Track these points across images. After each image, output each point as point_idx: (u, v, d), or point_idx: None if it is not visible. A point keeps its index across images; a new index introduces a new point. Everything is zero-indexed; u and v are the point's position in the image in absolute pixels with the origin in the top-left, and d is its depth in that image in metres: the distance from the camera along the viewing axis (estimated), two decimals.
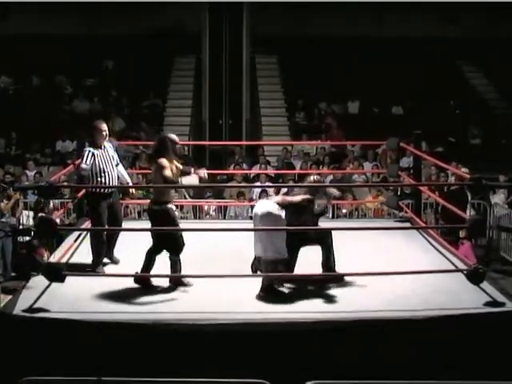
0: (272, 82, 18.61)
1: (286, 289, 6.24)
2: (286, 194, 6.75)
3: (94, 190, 6.83)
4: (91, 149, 6.88)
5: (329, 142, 15.68)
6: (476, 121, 17.15)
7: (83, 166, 6.80)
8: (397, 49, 18.26)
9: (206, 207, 12.18)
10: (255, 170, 14.05)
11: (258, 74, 18.58)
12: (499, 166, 13.57)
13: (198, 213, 12.13)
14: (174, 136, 6.46)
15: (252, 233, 6.22)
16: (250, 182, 13.50)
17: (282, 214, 6.12)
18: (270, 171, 13.92)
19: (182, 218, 11.71)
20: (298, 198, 6.33)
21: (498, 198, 12.54)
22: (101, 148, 6.92)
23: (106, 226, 6.80)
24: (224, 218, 11.98)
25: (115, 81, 18.09)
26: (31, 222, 10.92)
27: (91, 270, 6.62)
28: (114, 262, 7.01)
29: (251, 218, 11.75)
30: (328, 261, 6.39)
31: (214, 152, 16.75)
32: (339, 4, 17.96)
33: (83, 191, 7.60)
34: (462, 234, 9.98)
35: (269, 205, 6.18)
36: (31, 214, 11.55)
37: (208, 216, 12.11)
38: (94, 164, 6.81)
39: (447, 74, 18.39)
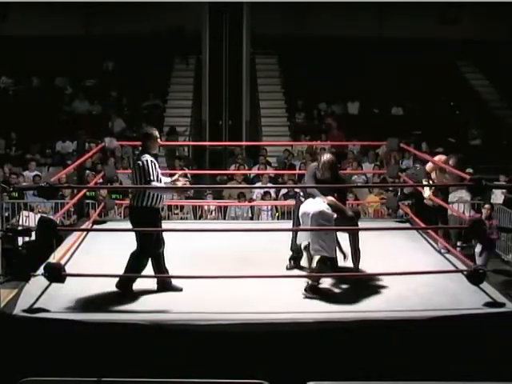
0: (272, 82, 18.62)
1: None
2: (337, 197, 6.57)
3: (149, 203, 6.04)
4: (150, 158, 6.07)
5: (329, 142, 15.68)
6: (476, 121, 17.16)
7: (157, 184, 6.03)
8: (397, 49, 18.27)
9: (206, 207, 12.17)
10: (255, 171, 14.05)
11: (257, 74, 18.59)
12: (499, 167, 13.58)
13: (197, 213, 12.14)
14: None
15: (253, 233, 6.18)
16: (249, 183, 13.50)
17: (334, 214, 6.22)
18: (270, 171, 13.93)
19: (181, 218, 11.75)
20: (349, 213, 6.41)
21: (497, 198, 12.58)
22: (155, 156, 6.26)
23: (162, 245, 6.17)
24: (224, 219, 11.98)
25: (115, 81, 18.10)
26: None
27: (118, 286, 6.03)
28: (176, 289, 6.15)
29: (251, 218, 11.98)
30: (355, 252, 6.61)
31: (214, 152, 16.75)
32: (339, 4, 17.97)
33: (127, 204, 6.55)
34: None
35: (320, 204, 6.21)
36: (31, 214, 11.58)
37: (209, 216, 12.12)
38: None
39: (447, 74, 18.40)
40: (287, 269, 6.85)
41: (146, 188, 6.04)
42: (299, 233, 6.40)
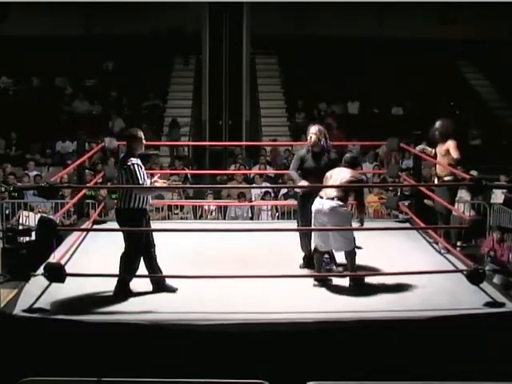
0: (272, 82, 18.62)
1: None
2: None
3: (135, 205, 6.11)
4: (136, 161, 6.15)
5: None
6: (476, 121, 17.15)
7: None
8: (397, 49, 18.27)
9: (206, 207, 12.17)
10: (255, 171, 14.05)
11: (258, 74, 18.59)
12: (499, 167, 13.57)
13: (197, 213, 12.13)
14: None
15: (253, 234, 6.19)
16: (250, 183, 13.50)
17: (345, 207, 6.26)
18: (270, 171, 13.93)
19: (181, 218, 11.75)
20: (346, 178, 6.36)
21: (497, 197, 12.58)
22: (139, 158, 6.28)
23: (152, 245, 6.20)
24: (224, 219, 11.97)
25: (115, 81, 18.10)
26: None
27: (117, 290, 6.05)
28: (170, 289, 6.21)
29: (251, 218, 11.97)
30: None
31: (214, 152, 16.76)
32: (339, 4, 17.97)
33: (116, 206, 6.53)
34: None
35: (330, 202, 6.22)
36: (31, 214, 11.58)
37: (209, 216, 12.11)
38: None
39: (447, 74, 18.40)
40: (300, 267, 6.87)
41: (144, 188, 6.13)
42: (320, 239, 6.39)
